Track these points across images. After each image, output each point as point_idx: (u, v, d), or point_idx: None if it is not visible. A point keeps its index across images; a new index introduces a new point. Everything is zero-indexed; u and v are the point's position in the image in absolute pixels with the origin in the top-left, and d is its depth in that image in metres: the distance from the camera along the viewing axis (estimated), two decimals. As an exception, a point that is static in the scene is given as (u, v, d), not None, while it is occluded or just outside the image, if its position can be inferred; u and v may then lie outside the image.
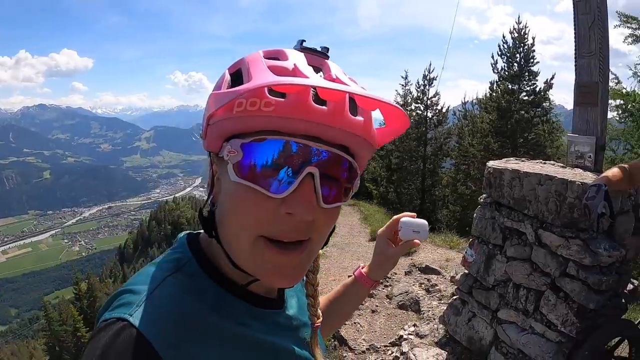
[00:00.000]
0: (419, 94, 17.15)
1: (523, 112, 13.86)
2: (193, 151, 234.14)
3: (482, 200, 3.60)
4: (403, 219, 0.92)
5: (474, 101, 16.98)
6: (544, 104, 13.84)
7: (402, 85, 18.06)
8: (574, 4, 2.89)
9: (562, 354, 2.78)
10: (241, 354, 0.58)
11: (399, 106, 0.56)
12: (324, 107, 0.52)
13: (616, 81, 7.49)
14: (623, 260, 2.69)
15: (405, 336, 4.27)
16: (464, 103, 17.39)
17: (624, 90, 7.25)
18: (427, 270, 6.10)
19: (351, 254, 7.71)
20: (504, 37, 14.48)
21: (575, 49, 3.05)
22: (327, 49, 0.59)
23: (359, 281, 0.98)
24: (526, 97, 14.04)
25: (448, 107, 17.75)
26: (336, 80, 0.54)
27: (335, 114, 0.52)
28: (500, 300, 3.31)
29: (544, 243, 2.91)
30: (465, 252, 3.70)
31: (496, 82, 14.60)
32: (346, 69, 0.60)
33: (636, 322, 2.84)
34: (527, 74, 13.96)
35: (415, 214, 0.93)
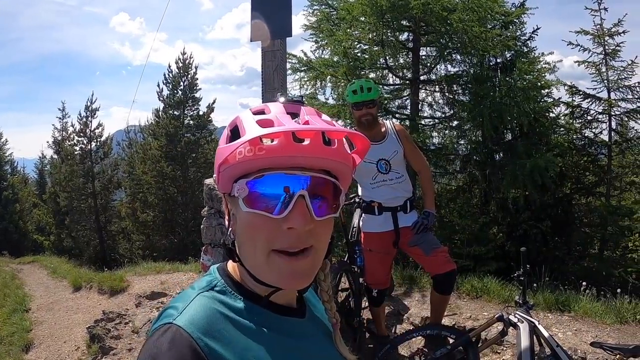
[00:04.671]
0: (81, 127, 15.93)
1: (189, 134, 15.41)
2: None
3: (205, 212, 4.30)
4: None
5: (137, 129, 17.29)
6: (208, 126, 15.79)
7: (60, 118, 16.36)
8: (262, 52, 4.09)
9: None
10: (267, 350, 0.68)
11: (358, 132, 0.70)
12: (303, 143, 0.64)
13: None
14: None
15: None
16: (127, 132, 17.42)
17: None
18: (154, 295, 6.24)
19: (65, 309, 6.79)
20: (169, 66, 15.60)
21: (263, 85, 4.25)
22: (302, 97, 0.77)
23: None
24: (192, 122, 15.65)
25: (112, 137, 17.31)
26: (307, 121, 0.67)
27: (313, 147, 0.65)
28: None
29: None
30: (202, 259, 4.28)
31: (162, 109, 15.53)
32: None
33: (345, 259, 4.13)
34: (191, 100, 15.57)
35: None
